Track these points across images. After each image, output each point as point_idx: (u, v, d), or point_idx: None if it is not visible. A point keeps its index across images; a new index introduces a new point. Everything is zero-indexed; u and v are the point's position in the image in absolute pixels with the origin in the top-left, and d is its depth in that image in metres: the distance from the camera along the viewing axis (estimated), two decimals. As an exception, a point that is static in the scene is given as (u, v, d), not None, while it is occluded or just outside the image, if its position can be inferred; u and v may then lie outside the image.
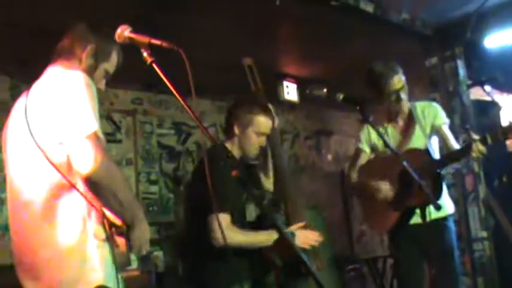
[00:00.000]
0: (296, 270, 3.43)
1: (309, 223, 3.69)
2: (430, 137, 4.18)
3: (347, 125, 8.90)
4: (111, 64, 2.67)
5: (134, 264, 2.68)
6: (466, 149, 3.81)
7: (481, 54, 6.01)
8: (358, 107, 3.42)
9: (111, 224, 2.34)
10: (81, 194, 2.29)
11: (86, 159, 2.19)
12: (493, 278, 5.53)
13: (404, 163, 3.34)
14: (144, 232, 2.44)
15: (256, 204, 2.15)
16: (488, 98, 5.65)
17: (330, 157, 9.09)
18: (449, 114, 5.69)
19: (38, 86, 2.44)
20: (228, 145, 3.60)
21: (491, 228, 5.64)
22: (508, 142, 6.58)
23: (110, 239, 2.32)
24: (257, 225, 3.54)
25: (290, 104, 7.27)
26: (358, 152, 4.36)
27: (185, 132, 7.21)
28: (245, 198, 3.61)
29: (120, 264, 2.36)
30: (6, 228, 5.47)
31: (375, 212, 4.21)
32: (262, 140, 3.63)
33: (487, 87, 4.47)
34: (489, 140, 3.72)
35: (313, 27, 5.54)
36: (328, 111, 8.88)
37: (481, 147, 3.74)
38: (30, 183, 2.35)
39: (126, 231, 2.38)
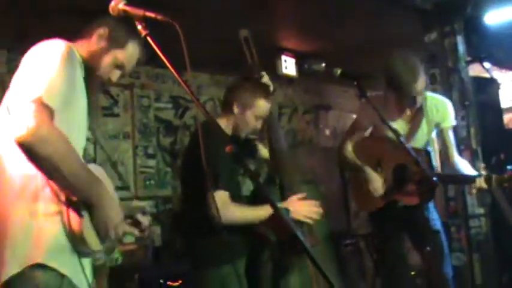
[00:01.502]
0: (291, 247, 3.43)
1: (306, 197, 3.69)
2: (433, 131, 4.19)
3: (345, 99, 8.88)
4: (126, 55, 2.53)
5: (132, 239, 2.63)
6: (469, 181, 3.83)
7: (481, 30, 5.97)
8: (355, 82, 3.41)
9: (66, 201, 2.19)
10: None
11: (20, 124, 2.04)
12: (489, 255, 5.55)
13: (407, 146, 3.34)
14: (109, 214, 2.28)
15: (251, 180, 2.12)
16: (487, 75, 5.64)
17: (327, 132, 9.08)
18: (448, 90, 5.69)
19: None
20: (222, 121, 3.55)
21: (488, 205, 5.64)
22: (505, 118, 6.60)
23: (61, 216, 2.19)
24: (252, 200, 3.53)
25: (288, 79, 7.24)
26: (359, 126, 4.33)
27: (183, 106, 7.19)
28: (241, 172, 3.61)
29: (74, 243, 2.22)
30: None
31: (363, 193, 4.22)
32: (259, 123, 3.61)
33: (486, 64, 4.45)
34: (493, 182, 3.72)
35: (313, 1, 5.50)
36: (326, 86, 8.85)
37: (484, 185, 3.75)
38: (5, 153, 2.26)
39: (87, 210, 2.23)
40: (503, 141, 6.20)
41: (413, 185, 3.93)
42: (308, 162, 8.06)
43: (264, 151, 3.94)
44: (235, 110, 3.54)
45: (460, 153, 5.63)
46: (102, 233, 2.27)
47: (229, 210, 3.24)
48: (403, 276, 4.26)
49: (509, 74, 8.25)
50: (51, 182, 2.17)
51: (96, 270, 2.48)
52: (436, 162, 4.08)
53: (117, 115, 6.58)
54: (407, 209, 4.03)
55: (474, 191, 3.85)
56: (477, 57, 5.14)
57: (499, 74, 7.57)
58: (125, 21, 2.33)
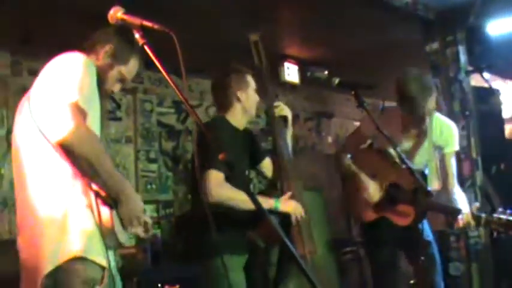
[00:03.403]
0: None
1: (308, 205, 3.72)
2: (434, 152, 4.14)
3: (348, 107, 8.88)
4: (128, 70, 2.71)
5: (132, 242, 2.68)
6: (456, 213, 3.80)
7: (483, 40, 5.97)
8: (353, 92, 3.41)
9: (96, 195, 2.33)
10: (67, 162, 2.31)
11: (59, 125, 2.21)
12: (488, 265, 5.55)
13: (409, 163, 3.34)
14: (133, 206, 2.42)
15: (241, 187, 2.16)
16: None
17: (330, 139, 9.09)
18: (449, 100, 5.70)
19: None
20: (228, 116, 3.63)
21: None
22: (506, 128, 6.60)
23: (93, 211, 2.32)
24: None
25: (291, 86, 7.26)
26: (360, 135, 4.32)
27: (185, 111, 7.20)
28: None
29: (106, 236, 2.34)
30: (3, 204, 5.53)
31: (356, 202, 4.22)
32: (256, 95, 3.71)
33: (486, 74, 4.44)
34: (482, 221, 3.69)
35: (315, 10, 5.52)
36: (328, 93, 8.86)
37: (471, 222, 3.72)
38: (28, 155, 2.41)
39: (113, 204, 2.37)
40: (503, 151, 6.21)
41: (405, 206, 3.93)
42: (309, 169, 8.06)
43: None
44: (240, 97, 3.62)
45: (460, 162, 5.66)
46: (127, 224, 2.42)
47: (223, 188, 3.30)
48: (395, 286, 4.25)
49: (511, 84, 8.24)
50: (81, 178, 2.32)
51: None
52: (432, 185, 4.02)
53: (119, 119, 6.60)
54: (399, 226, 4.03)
55: (461, 224, 3.81)
56: (478, 68, 5.13)
57: (501, 84, 7.57)
58: (127, 35, 2.49)
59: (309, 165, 8.19)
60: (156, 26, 2.21)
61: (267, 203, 3.52)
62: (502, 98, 6.24)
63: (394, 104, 4.13)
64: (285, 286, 3.72)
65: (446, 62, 5.85)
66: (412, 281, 5.45)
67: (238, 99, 3.62)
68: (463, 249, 5.60)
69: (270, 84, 3.86)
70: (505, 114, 6.48)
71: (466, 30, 5.93)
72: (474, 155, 5.71)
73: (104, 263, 2.32)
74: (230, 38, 5.47)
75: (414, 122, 3.99)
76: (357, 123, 4.51)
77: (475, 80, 5.99)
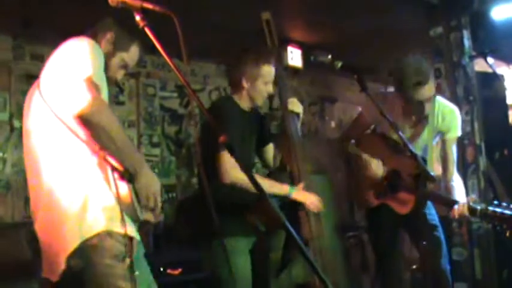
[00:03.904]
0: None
1: (316, 188, 3.73)
2: (435, 138, 4.11)
3: (351, 92, 8.85)
4: (130, 56, 2.80)
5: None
6: (451, 204, 3.79)
7: (488, 25, 5.94)
8: (356, 76, 3.41)
9: (114, 169, 2.37)
10: (81, 139, 2.37)
11: (77, 98, 2.25)
12: (489, 251, 5.55)
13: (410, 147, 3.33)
14: (150, 182, 2.45)
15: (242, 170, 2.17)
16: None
17: (333, 124, 9.07)
18: (453, 85, 5.68)
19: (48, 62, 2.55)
20: (236, 98, 3.69)
21: (491, 200, 5.64)
22: (510, 114, 6.58)
23: (111, 185, 2.36)
24: None
25: (294, 70, 7.23)
26: (363, 120, 4.32)
27: (188, 95, 7.19)
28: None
29: (126, 209, 2.37)
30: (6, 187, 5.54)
31: (360, 187, 4.22)
32: (270, 87, 3.71)
33: (490, 59, 4.41)
34: (478, 213, 3.66)
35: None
36: (332, 78, 8.83)
37: (465, 213, 3.71)
38: (41, 139, 2.46)
39: (130, 178, 2.39)
40: (507, 137, 6.18)
41: (405, 194, 3.93)
42: (313, 153, 8.06)
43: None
44: (245, 84, 3.65)
45: (464, 148, 5.65)
46: (143, 200, 2.45)
47: (238, 169, 3.29)
48: (399, 271, 4.26)
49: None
50: (97, 155, 2.37)
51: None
52: (431, 171, 4.00)
53: (122, 103, 6.60)
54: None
55: (456, 215, 3.80)
56: (482, 52, 5.09)
57: (505, 70, 7.54)
58: (126, 23, 2.57)
59: (312, 149, 8.20)
60: (156, 8, 2.21)
61: (281, 188, 3.54)
62: (506, 83, 6.20)
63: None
64: (290, 270, 3.74)
65: (450, 47, 5.82)
66: (414, 266, 5.48)
67: (243, 87, 3.65)
68: (465, 235, 5.60)
69: (281, 68, 3.88)
70: (509, 100, 6.44)
71: (470, 15, 5.89)
72: (478, 140, 5.69)
73: (131, 232, 2.35)
74: (235, 22, 5.45)
75: (414, 109, 3.93)
76: (360, 108, 4.50)
77: (479, 66, 5.96)
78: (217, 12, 5.50)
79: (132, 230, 2.37)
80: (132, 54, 2.80)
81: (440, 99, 4.11)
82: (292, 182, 3.71)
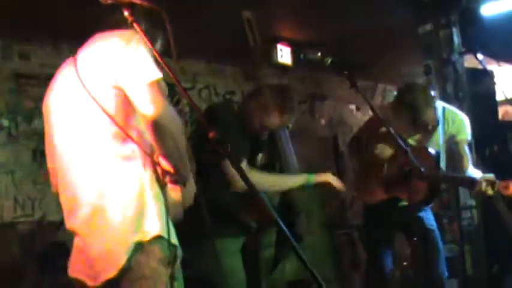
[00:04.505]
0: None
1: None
2: (444, 143, 4.20)
3: (341, 89, 8.85)
4: (157, 48, 2.68)
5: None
6: (471, 184, 3.83)
7: (477, 22, 5.95)
8: (346, 72, 3.41)
9: (166, 172, 2.35)
10: (136, 142, 2.30)
11: (152, 101, 2.20)
12: (480, 246, 5.56)
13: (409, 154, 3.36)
14: (192, 191, 2.50)
15: (232, 165, 2.17)
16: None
17: (323, 121, 9.08)
18: (442, 81, 5.69)
19: (88, 48, 2.45)
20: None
21: (480, 197, 5.65)
22: (500, 110, 6.59)
23: (163, 188, 2.35)
24: None
25: (284, 68, 7.23)
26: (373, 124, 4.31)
27: (178, 93, 7.15)
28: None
29: (174, 215, 2.39)
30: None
31: (366, 184, 4.23)
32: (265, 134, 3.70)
33: (479, 56, 4.42)
34: (496, 187, 3.72)
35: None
36: (322, 76, 8.83)
37: (489, 190, 3.76)
38: (82, 140, 2.36)
39: (184, 183, 2.42)
40: (497, 133, 6.20)
41: (418, 182, 3.95)
42: (303, 152, 8.05)
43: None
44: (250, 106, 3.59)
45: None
46: (185, 207, 2.49)
47: (250, 174, 3.27)
48: (389, 271, 4.27)
49: (505, 66, 8.21)
50: (148, 156, 2.32)
51: None
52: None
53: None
54: (404, 209, 4.05)
55: (477, 192, 3.86)
56: (470, 49, 5.12)
57: (495, 67, 7.55)
58: (150, 15, 2.44)
59: (302, 147, 8.18)
60: (145, 4, 2.19)
61: (297, 179, 3.53)
62: (496, 79, 6.21)
63: (389, 86, 4.17)
64: (282, 267, 3.73)
65: (439, 44, 5.82)
66: (405, 263, 5.49)
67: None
68: (456, 231, 5.61)
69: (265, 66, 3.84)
70: (498, 96, 6.46)
71: (459, 12, 5.90)
72: (468, 137, 5.69)
73: (176, 242, 2.35)
74: (224, 20, 5.43)
75: (415, 129, 4.06)
76: (350, 106, 4.52)
77: (469, 62, 5.97)
78: (206, 11, 5.48)
79: (176, 239, 2.36)
80: (157, 48, 2.65)
81: (448, 107, 4.29)
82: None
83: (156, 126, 2.24)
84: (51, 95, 2.54)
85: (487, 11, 5.95)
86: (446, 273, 4.15)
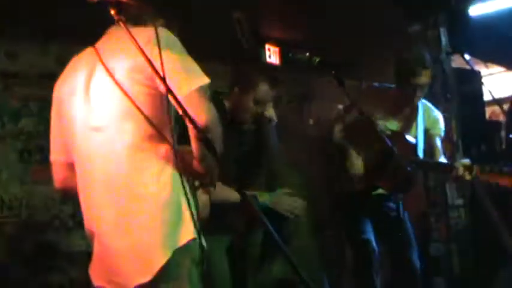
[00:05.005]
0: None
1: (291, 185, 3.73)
2: (423, 134, 4.24)
3: (329, 89, 8.85)
4: None
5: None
6: (447, 169, 3.88)
7: (465, 22, 5.98)
8: (333, 72, 3.43)
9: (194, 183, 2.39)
10: (171, 144, 2.24)
11: (204, 109, 2.18)
12: (467, 246, 5.59)
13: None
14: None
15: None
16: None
17: (311, 121, 9.08)
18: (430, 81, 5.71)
19: (110, 41, 2.40)
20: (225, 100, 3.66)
21: (468, 196, 5.69)
22: (486, 110, 6.64)
23: (195, 191, 2.37)
24: None
25: (272, 68, 7.23)
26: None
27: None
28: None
29: (202, 216, 2.47)
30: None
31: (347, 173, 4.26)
32: (260, 107, 3.75)
33: (467, 56, 4.47)
34: (474, 172, 3.73)
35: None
36: (310, 75, 8.84)
37: (462, 174, 3.79)
38: (109, 139, 2.28)
39: (211, 185, 2.45)
40: (484, 133, 6.24)
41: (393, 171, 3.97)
42: (290, 151, 8.05)
43: None
44: (236, 91, 3.61)
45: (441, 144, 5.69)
46: (202, 215, 2.52)
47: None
48: (367, 260, 4.27)
49: (493, 67, 8.27)
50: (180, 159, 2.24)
51: None
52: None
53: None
54: (380, 198, 4.07)
55: (454, 177, 3.88)
56: (458, 49, 5.15)
57: (482, 69, 7.60)
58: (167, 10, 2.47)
59: (290, 147, 8.19)
60: (131, 2, 2.17)
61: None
62: (483, 80, 6.26)
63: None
64: (269, 267, 3.73)
65: (428, 44, 5.84)
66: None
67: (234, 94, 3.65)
68: (443, 230, 5.64)
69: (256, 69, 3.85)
70: (485, 96, 6.50)
71: (447, 12, 5.93)
72: (455, 137, 5.73)
73: (204, 243, 2.31)
74: (211, 21, 5.43)
75: (407, 98, 4.08)
76: (339, 106, 4.54)
77: (456, 63, 6.00)
78: (197, 11, 5.47)
79: (204, 240, 2.32)
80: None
81: (426, 103, 4.32)
82: (268, 179, 3.70)
83: (206, 133, 2.11)
84: (67, 84, 2.46)
85: (474, 11, 5.98)
86: (419, 264, 4.16)
